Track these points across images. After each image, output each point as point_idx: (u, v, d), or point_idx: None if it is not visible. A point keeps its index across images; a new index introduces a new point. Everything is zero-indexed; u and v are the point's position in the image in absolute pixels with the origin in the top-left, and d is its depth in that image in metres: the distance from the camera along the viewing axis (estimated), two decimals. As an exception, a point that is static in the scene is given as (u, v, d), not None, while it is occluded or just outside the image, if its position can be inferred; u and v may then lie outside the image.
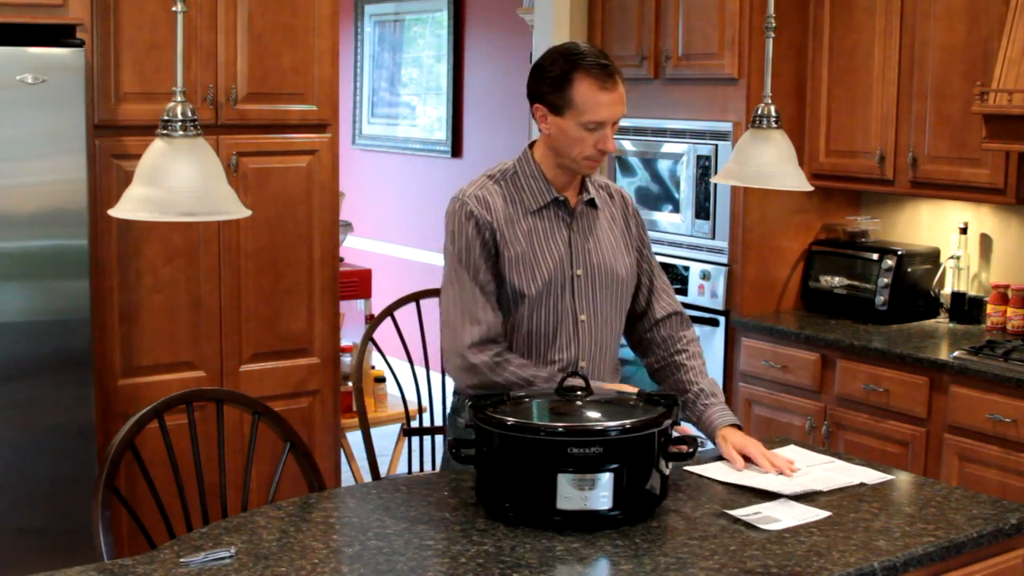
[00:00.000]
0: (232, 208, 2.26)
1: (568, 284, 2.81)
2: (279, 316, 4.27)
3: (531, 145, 2.86)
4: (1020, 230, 4.55)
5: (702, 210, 4.91)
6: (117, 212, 2.23)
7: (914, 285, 4.64)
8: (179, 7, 2.26)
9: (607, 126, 2.70)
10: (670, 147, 5.05)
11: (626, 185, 5.27)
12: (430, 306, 3.40)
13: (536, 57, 2.88)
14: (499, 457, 2.38)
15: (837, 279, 4.76)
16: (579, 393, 2.50)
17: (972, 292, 4.63)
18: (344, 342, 4.72)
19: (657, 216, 5.14)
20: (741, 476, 2.66)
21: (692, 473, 2.69)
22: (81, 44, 3.68)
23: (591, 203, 2.87)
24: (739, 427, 2.81)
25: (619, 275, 2.88)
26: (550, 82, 2.72)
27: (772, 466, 2.67)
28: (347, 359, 5.01)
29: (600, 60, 2.70)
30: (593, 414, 2.45)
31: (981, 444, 3.95)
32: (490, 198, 2.79)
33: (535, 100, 2.77)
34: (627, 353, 3.11)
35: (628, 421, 2.39)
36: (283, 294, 4.27)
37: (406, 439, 3.81)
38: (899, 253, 4.61)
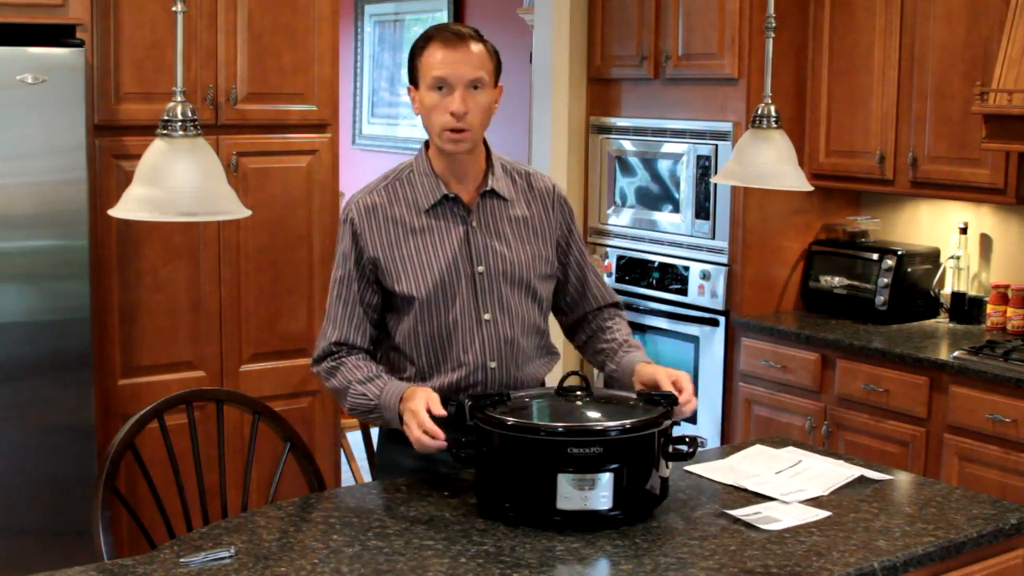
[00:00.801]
0: (232, 208, 2.26)
1: (468, 283, 2.69)
2: (279, 316, 4.27)
3: (427, 142, 2.75)
4: (1020, 230, 4.54)
5: (702, 210, 4.91)
6: (117, 212, 2.23)
7: (914, 285, 4.64)
8: (179, 7, 2.25)
9: (456, 88, 2.58)
10: (670, 147, 5.05)
11: (626, 185, 5.28)
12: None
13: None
14: (499, 457, 2.38)
15: (837, 279, 4.76)
16: (579, 393, 2.50)
17: (972, 292, 4.63)
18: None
19: (657, 216, 5.14)
20: (741, 477, 2.66)
21: (692, 473, 2.69)
22: (81, 44, 3.68)
23: (493, 194, 2.72)
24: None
25: (529, 269, 2.74)
26: (410, 57, 2.68)
27: (674, 388, 2.58)
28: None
29: (456, 29, 2.63)
30: (593, 414, 2.45)
31: (981, 444, 3.95)
32: (378, 203, 2.69)
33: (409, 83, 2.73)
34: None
35: (628, 421, 2.39)
36: (283, 294, 4.27)
37: (406, 439, 3.80)
38: (899, 253, 4.61)
